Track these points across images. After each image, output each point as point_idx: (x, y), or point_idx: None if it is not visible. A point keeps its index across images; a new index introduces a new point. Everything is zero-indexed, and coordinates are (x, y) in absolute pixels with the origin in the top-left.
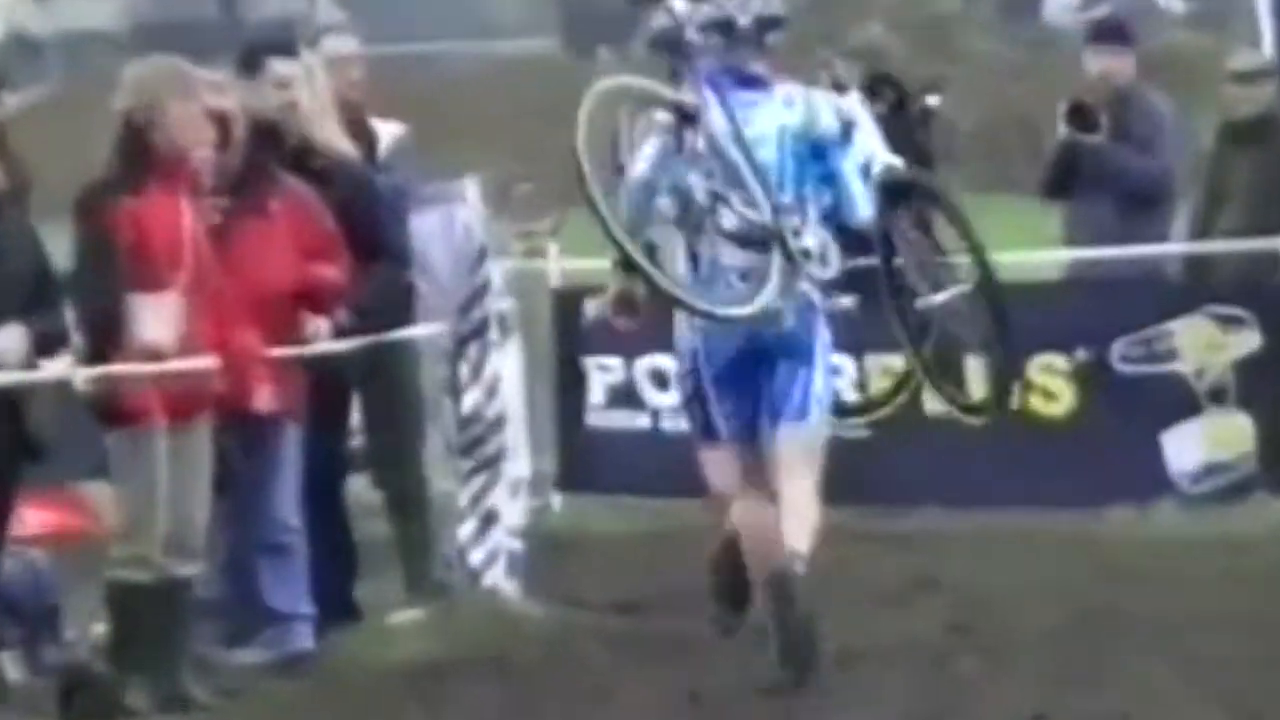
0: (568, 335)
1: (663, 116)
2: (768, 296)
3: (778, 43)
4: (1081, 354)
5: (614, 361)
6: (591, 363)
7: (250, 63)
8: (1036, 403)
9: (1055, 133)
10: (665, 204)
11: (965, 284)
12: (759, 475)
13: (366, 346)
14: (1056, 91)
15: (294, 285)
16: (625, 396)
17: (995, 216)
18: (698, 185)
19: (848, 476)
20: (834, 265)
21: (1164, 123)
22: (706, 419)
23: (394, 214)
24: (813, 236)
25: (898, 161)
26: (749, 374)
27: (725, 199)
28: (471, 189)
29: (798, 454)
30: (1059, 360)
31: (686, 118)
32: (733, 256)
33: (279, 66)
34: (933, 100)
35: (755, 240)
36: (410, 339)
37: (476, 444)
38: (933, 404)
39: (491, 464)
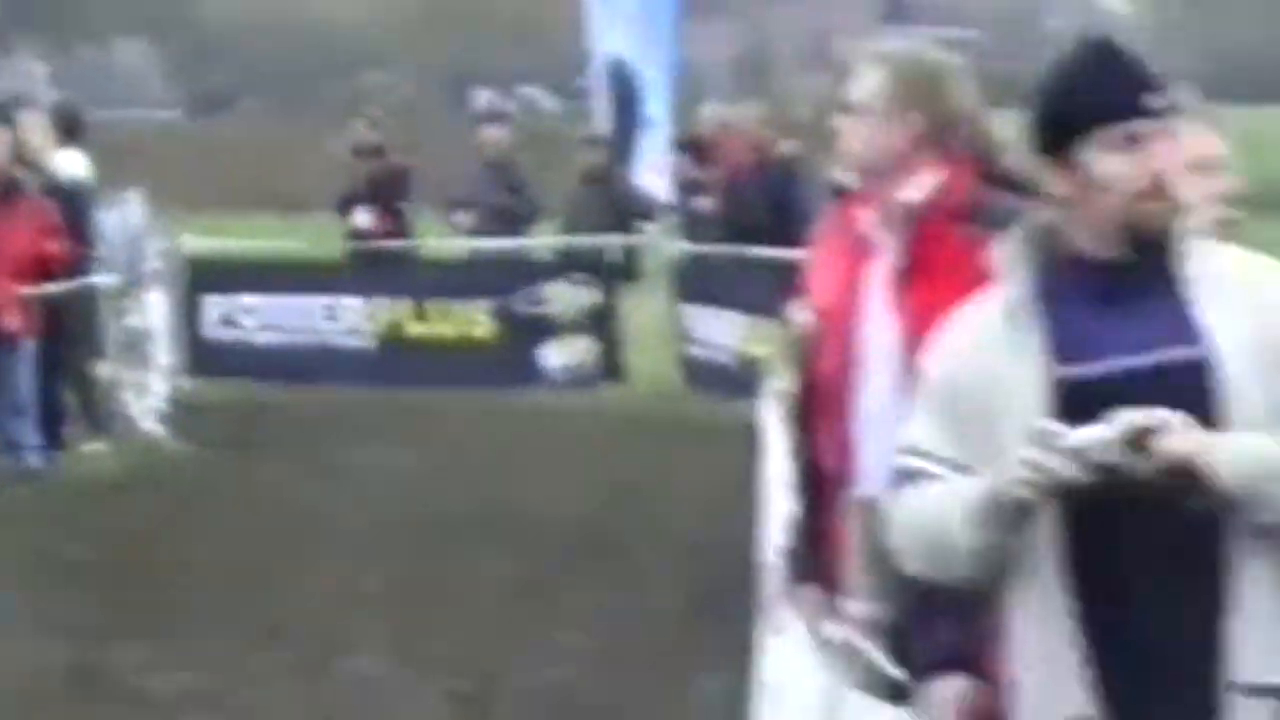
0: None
1: None
2: None
3: None
4: None
5: (221, 298)
6: (207, 299)
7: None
8: None
9: None
10: None
11: None
12: None
13: (70, 289)
14: None
15: (34, 253)
16: (229, 321)
17: None
18: None
19: None
20: None
21: None
22: None
23: (84, 212)
24: None
25: None
26: None
27: None
28: (135, 197)
29: None
30: None
31: None
32: None
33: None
34: None
35: None
36: (94, 285)
37: (136, 344)
38: None
39: (146, 357)
